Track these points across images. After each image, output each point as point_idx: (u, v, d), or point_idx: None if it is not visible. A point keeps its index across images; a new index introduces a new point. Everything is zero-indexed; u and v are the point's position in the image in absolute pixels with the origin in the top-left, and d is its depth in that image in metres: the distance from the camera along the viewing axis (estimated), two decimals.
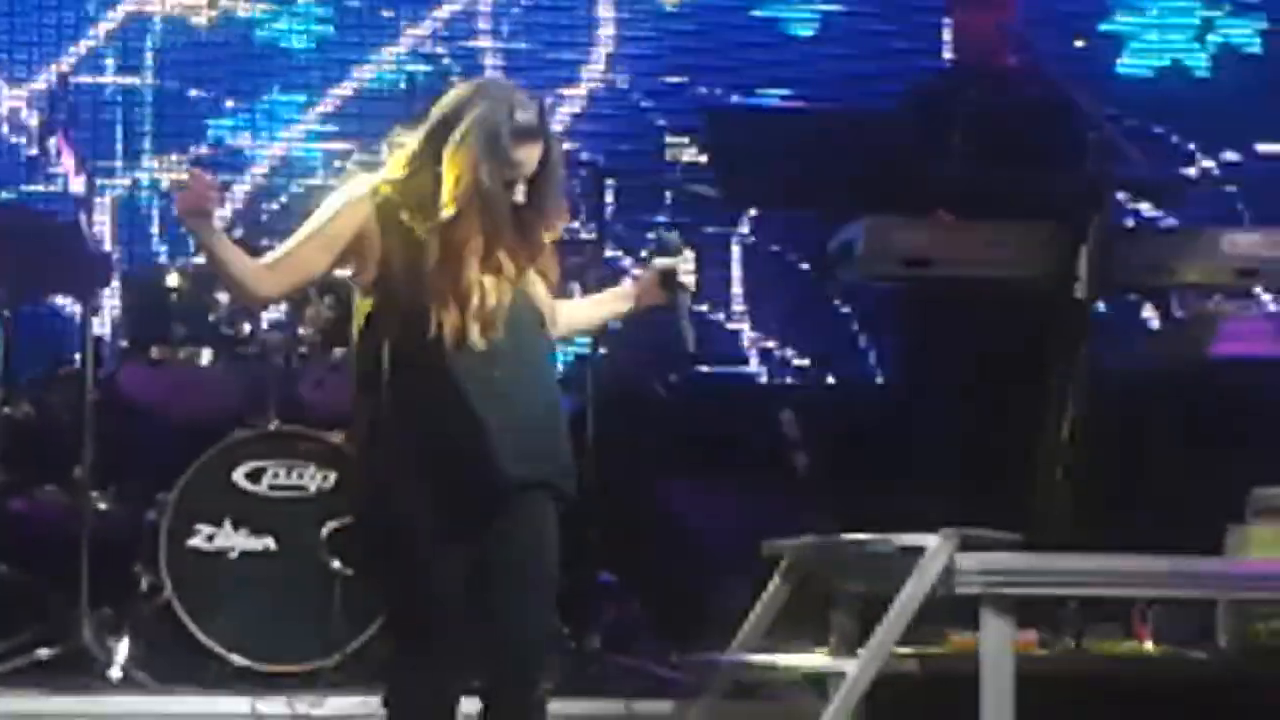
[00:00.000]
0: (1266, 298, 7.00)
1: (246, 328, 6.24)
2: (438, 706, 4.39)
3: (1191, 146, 8.74)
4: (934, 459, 6.29)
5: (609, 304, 4.77)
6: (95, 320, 6.66)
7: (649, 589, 6.67)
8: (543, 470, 4.30)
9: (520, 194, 4.24)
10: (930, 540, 4.94)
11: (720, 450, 7.35)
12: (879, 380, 8.08)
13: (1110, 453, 6.29)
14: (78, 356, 6.63)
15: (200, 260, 6.35)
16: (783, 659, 5.52)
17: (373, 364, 4.47)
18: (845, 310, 8.29)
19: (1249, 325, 6.47)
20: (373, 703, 4.66)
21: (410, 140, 4.37)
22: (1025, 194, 6.26)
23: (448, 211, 4.19)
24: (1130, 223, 6.91)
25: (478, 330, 4.42)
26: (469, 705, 4.50)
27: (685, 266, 4.60)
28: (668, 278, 4.54)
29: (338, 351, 6.29)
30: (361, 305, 4.30)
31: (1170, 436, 6.38)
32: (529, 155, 4.20)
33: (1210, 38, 9.24)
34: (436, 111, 4.31)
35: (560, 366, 5.83)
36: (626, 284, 4.85)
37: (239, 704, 5.63)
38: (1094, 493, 6.01)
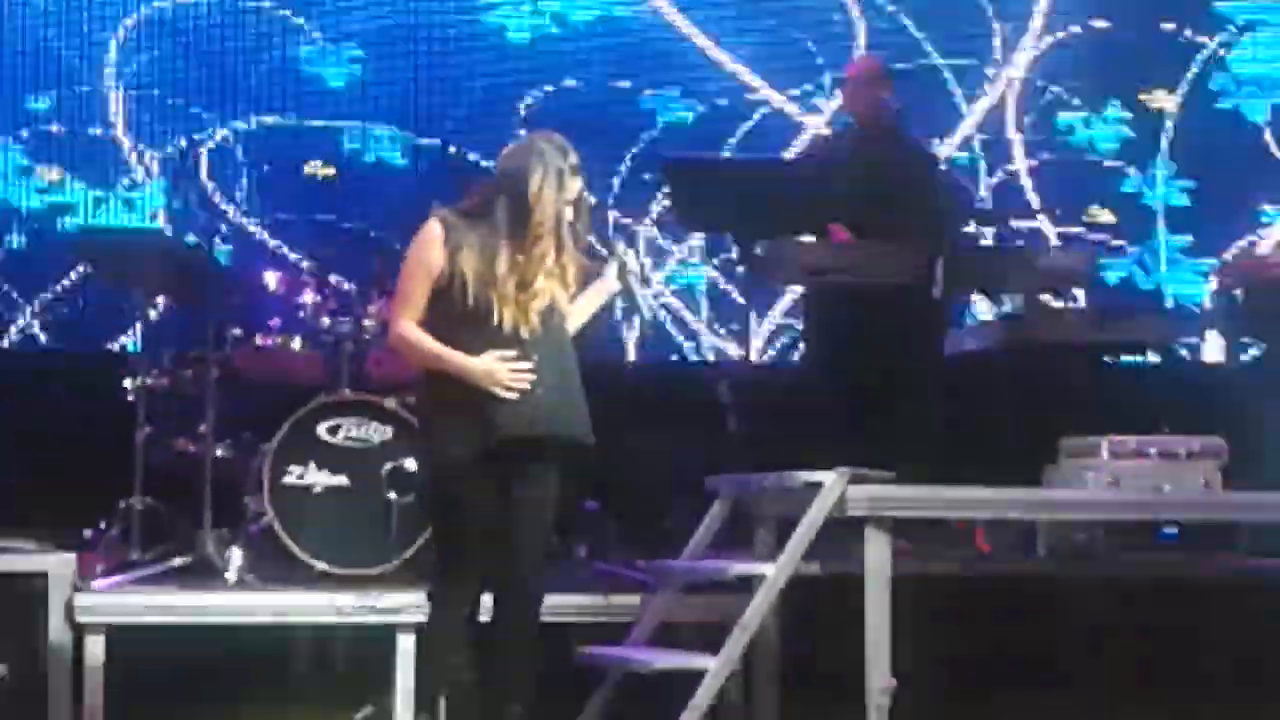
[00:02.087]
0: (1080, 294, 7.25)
1: (326, 321, 6.61)
2: (464, 600, 4.90)
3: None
4: (831, 418, 6.63)
5: (595, 296, 5.08)
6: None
7: (622, 514, 7.10)
8: (566, 436, 4.83)
9: (569, 214, 4.76)
10: (828, 476, 5.39)
11: (677, 411, 7.77)
12: (794, 358, 8.37)
13: (956, 413, 6.91)
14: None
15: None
16: (720, 564, 5.92)
17: (441, 335, 4.72)
18: (767, 306, 8.68)
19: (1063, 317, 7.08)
20: (419, 597, 5.50)
21: (484, 184, 4.98)
22: (896, 222, 6.71)
23: (536, 233, 4.69)
24: (974, 243, 7.08)
25: (530, 321, 4.78)
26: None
27: (631, 265, 5.11)
28: (620, 271, 5.04)
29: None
30: (409, 287, 4.78)
31: (1002, 399, 6.87)
32: (577, 186, 4.76)
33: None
34: (505, 163, 4.83)
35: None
36: (605, 276, 5.14)
37: (322, 599, 6.10)
38: (947, 442, 6.56)
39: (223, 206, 8.61)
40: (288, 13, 8.93)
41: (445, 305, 4.61)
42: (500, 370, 4.64)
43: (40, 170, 8.69)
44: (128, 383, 6.70)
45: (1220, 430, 6.01)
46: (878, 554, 5.39)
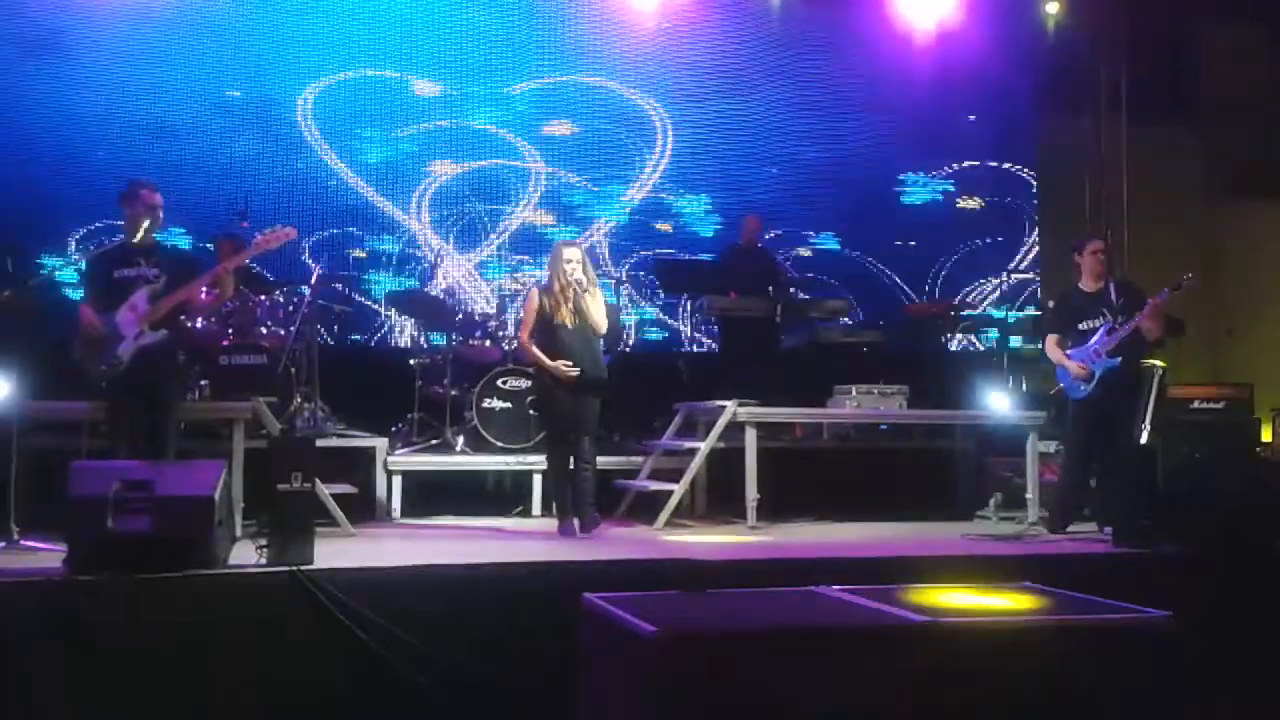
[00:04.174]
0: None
1: (499, 333, 8.33)
2: (564, 461, 6.41)
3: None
4: (732, 377, 8.12)
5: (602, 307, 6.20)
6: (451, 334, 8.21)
7: (629, 423, 8.54)
8: (596, 379, 6.34)
9: (571, 271, 6.19)
10: (730, 403, 7.05)
11: (659, 372, 9.30)
12: (716, 348, 9.45)
13: (787, 374, 8.49)
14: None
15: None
16: (679, 443, 7.64)
17: (540, 338, 6.31)
18: (709, 324, 9.66)
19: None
20: (542, 458, 7.14)
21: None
22: (762, 287, 8.57)
23: (559, 284, 6.19)
24: (794, 297, 8.85)
25: (573, 320, 6.31)
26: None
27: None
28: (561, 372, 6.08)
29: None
30: (527, 318, 6.42)
31: (805, 367, 8.64)
32: (570, 261, 6.26)
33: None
34: (550, 260, 6.35)
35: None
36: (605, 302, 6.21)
37: (499, 460, 7.75)
38: (782, 387, 7.84)
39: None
40: None
41: (542, 318, 6.35)
42: (559, 366, 6.24)
43: None
44: (413, 361, 8.35)
45: (903, 380, 7.79)
46: (751, 438, 6.95)
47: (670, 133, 10.11)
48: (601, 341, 6.44)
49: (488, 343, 8.14)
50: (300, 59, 9.41)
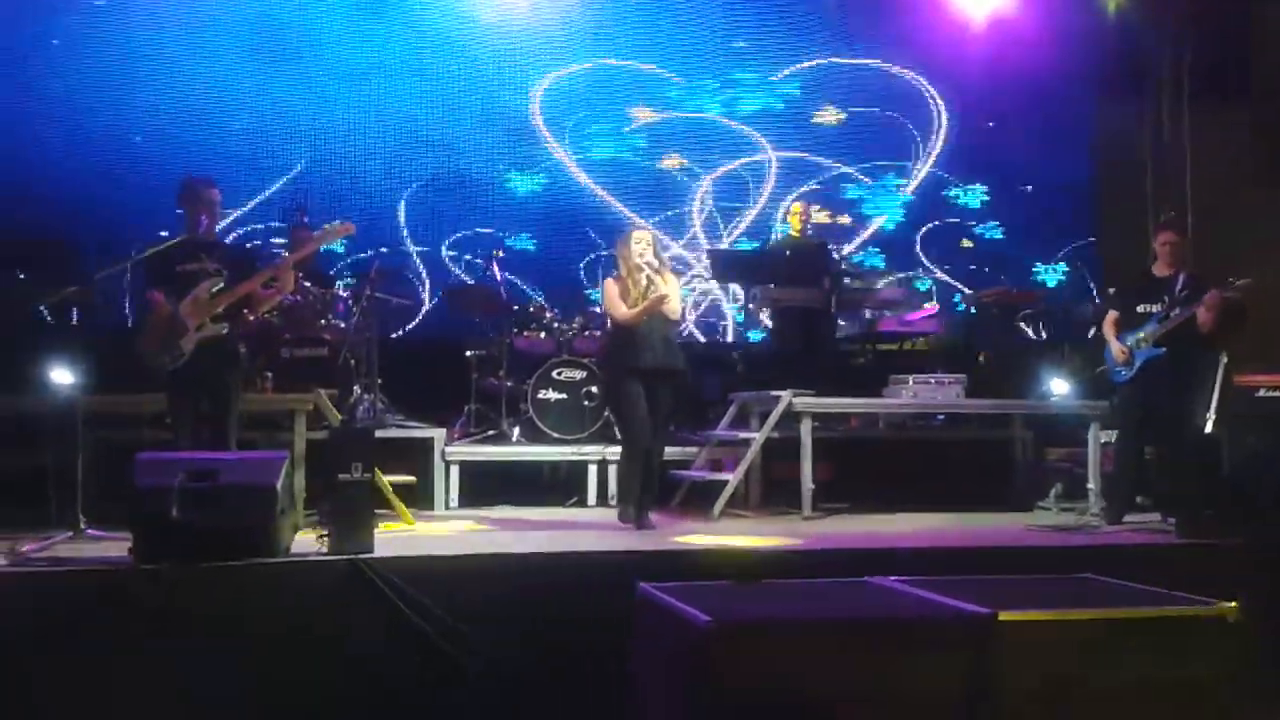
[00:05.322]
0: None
1: (557, 325, 8.32)
2: (639, 445, 6.19)
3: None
4: (786, 367, 7.81)
5: (675, 288, 5.98)
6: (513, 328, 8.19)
7: (691, 415, 8.33)
8: (675, 365, 6.22)
9: (641, 254, 6.03)
10: (786, 393, 6.88)
11: (716, 363, 9.22)
12: (769, 342, 8.92)
13: (842, 363, 8.24)
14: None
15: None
16: (734, 433, 7.47)
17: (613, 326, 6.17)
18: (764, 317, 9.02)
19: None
20: (599, 448, 7.39)
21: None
22: (804, 275, 8.05)
23: (634, 275, 6.07)
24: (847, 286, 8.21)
25: (647, 296, 6.15)
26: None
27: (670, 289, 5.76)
28: (658, 300, 5.82)
29: (586, 332, 8.16)
30: (614, 305, 6.22)
31: (861, 357, 8.43)
32: (640, 244, 6.15)
33: None
34: (619, 245, 6.25)
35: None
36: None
37: (554, 450, 7.73)
38: (838, 378, 7.67)
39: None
40: None
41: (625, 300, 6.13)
42: (653, 300, 5.83)
43: None
44: (469, 353, 8.25)
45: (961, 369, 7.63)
46: (806, 429, 6.81)
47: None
48: (677, 327, 6.46)
49: (542, 334, 8.23)
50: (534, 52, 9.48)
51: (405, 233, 9.41)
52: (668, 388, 6.14)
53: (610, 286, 6.21)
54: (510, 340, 8.02)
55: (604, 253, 9.26)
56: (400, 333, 9.06)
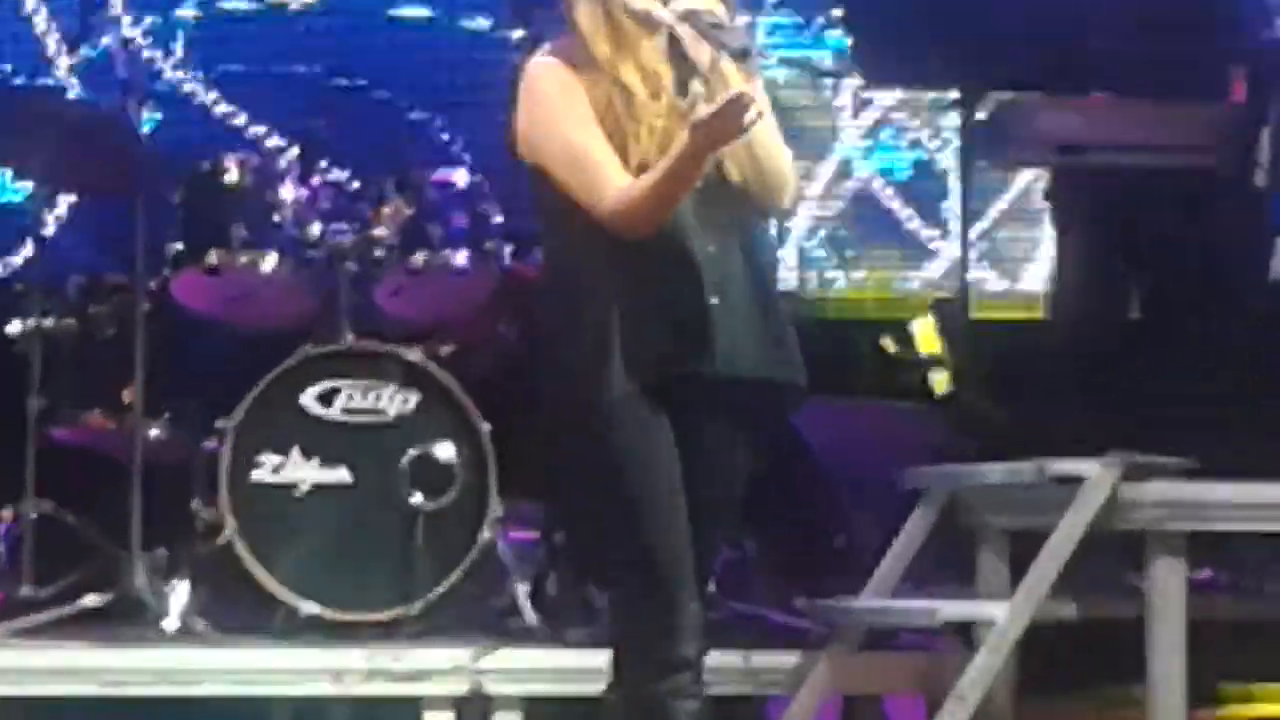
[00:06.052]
0: None
1: (316, 229, 5.66)
2: (667, 599, 4.14)
3: None
4: (1093, 380, 5.82)
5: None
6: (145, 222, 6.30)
7: (768, 527, 6.13)
8: (776, 370, 3.96)
9: None
10: (1089, 467, 4.57)
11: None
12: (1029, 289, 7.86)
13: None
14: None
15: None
16: (924, 604, 5.10)
17: None
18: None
19: None
20: (460, 655, 4.93)
21: None
22: (1193, 67, 5.97)
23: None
24: None
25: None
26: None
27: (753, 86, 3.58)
28: (736, 109, 3.32)
29: (419, 256, 5.69)
30: None
31: None
32: None
33: None
34: None
35: None
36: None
37: (310, 657, 5.31)
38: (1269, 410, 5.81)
39: (149, 54, 7.39)
40: None
41: None
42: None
43: None
44: (14, 326, 5.78)
45: None
46: (1167, 585, 4.48)
47: None
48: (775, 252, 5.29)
49: (271, 263, 6.29)
50: None
51: None
52: (745, 425, 3.98)
53: (553, 92, 3.89)
54: (164, 277, 5.61)
55: None
56: None
